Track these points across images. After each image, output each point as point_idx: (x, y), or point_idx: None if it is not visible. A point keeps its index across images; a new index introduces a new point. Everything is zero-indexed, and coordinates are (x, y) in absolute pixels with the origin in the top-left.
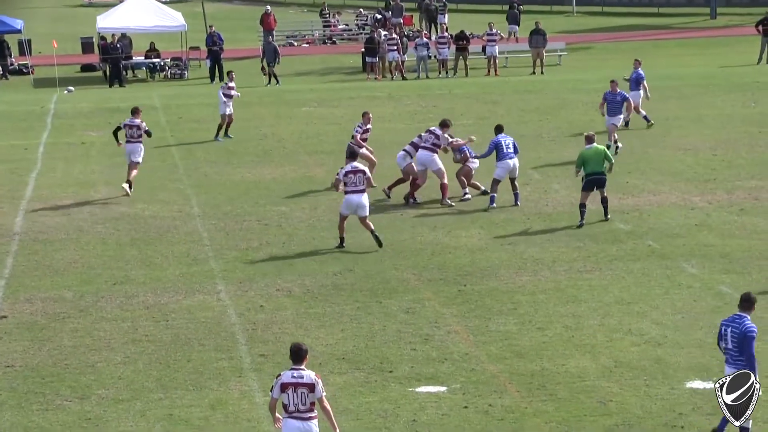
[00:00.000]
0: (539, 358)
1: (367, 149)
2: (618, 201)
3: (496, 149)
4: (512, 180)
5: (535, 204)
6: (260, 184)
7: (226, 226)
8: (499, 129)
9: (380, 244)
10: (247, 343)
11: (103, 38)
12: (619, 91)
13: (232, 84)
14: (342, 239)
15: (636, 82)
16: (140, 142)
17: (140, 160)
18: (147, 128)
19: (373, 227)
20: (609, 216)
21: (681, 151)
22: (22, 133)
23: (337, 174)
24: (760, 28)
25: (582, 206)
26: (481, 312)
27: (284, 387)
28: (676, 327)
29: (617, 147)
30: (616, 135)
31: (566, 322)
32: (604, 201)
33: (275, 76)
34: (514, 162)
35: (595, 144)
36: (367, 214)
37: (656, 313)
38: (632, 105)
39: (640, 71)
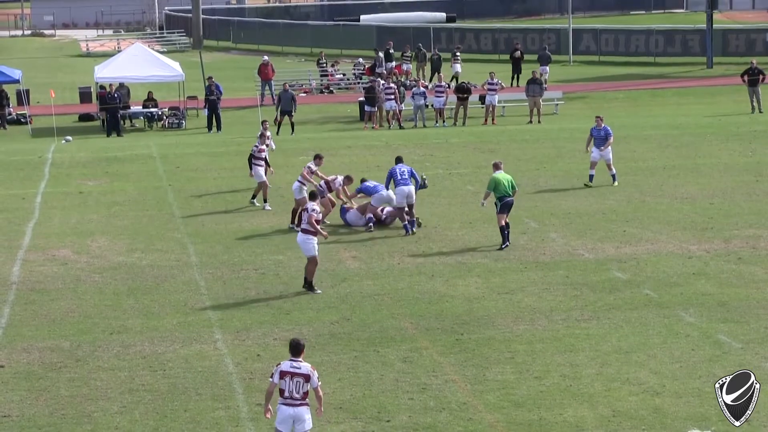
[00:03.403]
0: (537, 407)
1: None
2: (615, 250)
3: (392, 178)
4: (409, 207)
5: (532, 253)
6: (257, 233)
7: (224, 275)
8: (398, 160)
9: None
10: (244, 392)
11: (101, 88)
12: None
13: (268, 133)
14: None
15: (604, 140)
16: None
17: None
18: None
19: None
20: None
21: (678, 200)
22: (19, 182)
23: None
24: (746, 78)
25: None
26: (478, 361)
27: (282, 374)
28: (675, 376)
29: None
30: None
31: (564, 371)
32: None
33: (292, 125)
34: (409, 189)
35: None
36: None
37: (654, 362)
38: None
39: (607, 128)
